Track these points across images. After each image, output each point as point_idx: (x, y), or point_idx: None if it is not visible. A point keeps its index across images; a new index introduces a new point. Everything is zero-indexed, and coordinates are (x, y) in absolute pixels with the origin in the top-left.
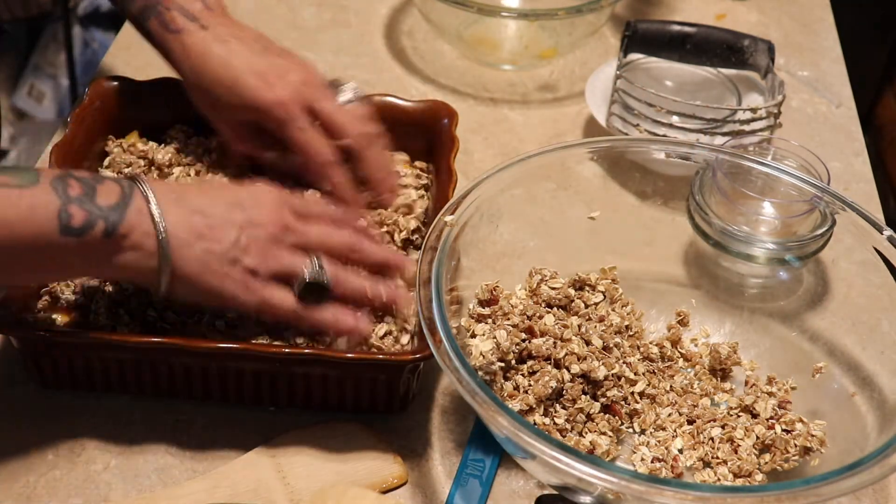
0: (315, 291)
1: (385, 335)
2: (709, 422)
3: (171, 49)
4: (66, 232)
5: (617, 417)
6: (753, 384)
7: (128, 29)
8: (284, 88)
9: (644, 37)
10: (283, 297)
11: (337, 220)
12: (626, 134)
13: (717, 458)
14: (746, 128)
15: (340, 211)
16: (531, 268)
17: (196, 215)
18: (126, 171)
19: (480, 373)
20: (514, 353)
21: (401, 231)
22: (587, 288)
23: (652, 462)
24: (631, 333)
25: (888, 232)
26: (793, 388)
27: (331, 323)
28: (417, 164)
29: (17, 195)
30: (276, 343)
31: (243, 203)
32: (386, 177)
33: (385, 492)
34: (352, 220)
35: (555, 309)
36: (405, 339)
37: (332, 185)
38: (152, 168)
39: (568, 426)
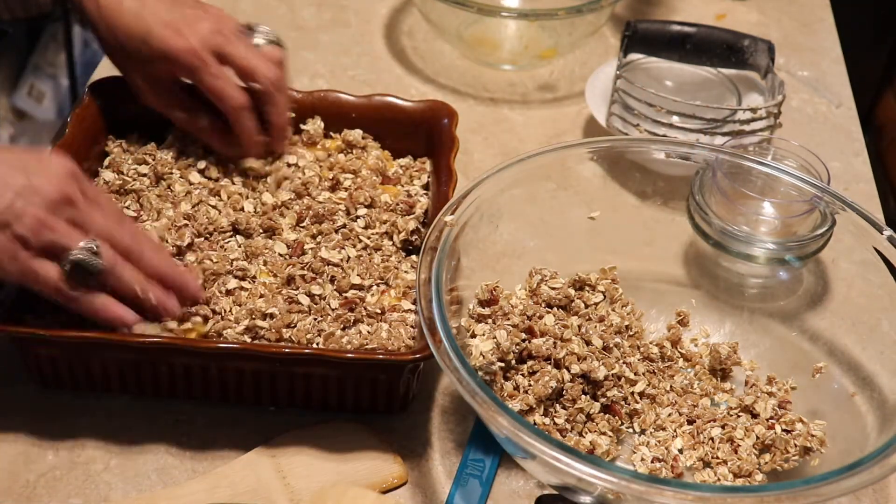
0: (84, 274)
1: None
2: (709, 422)
3: (86, 9)
4: None
5: (617, 417)
6: (753, 384)
7: None
8: (194, 35)
9: (644, 37)
10: (48, 271)
11: (123, 219)
12: (626, 134)
13: (717, 458)
14: (746, 128)
15: (125, 216)
16: (531, 268)
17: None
18: (127, 171)
19: (480, 373)
20: (514, 353)
21: (399, 232)
22: (587, 288)
23: (652, 462)
24: (631, 333)
25: (888, 232)
26: (793, 388)
27: (98, 310)
28: (418, 163)
29: None
30: (276, 343)
31: (28, 168)
32: (285, 124)
33: (385, 492)
34: (137, 227)
35: (555, 309)
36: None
37: (240, 130)
38: (153, 168)
39: (568, 426)
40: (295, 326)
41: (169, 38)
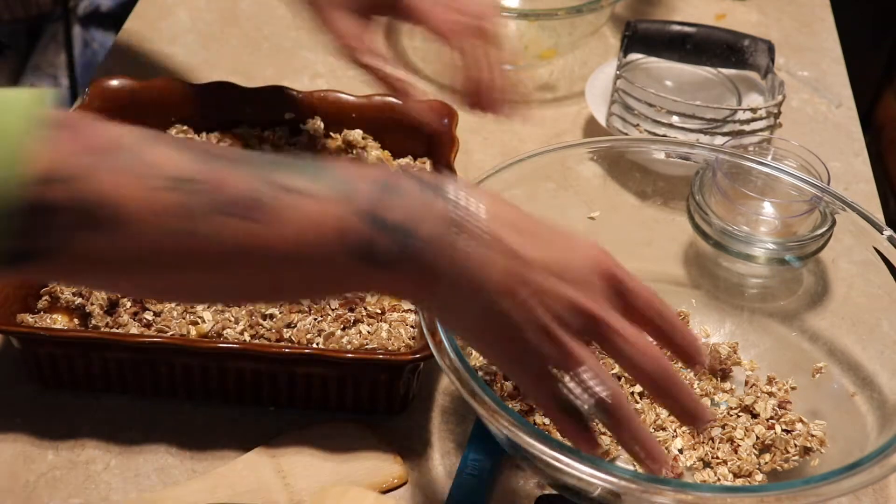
0: (578, 416)
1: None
2: (708, 422)
3: None
4: (356, 254)
5: None
6: (753, 384)
7: (128, 29)
8: None
9: (644, 37)
10: (588, 355)
11: (662, 314)
12: (626, 134)
13: (717, 458)
14: (746, 128)
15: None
16: None
17: (513, 260)
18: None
19: (480, 373)
20: None
21: None
22: None
23: None
24: None
25: (888, 232)
26: (793, 389)
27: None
28: (418, 163)
29: (307, 209)
30: (276, 343)
31: (562, 260)
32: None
33: (385, 492)
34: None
35: None
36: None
37: (461, 51)
38: None
39: None
40: (295, 326)
41: None
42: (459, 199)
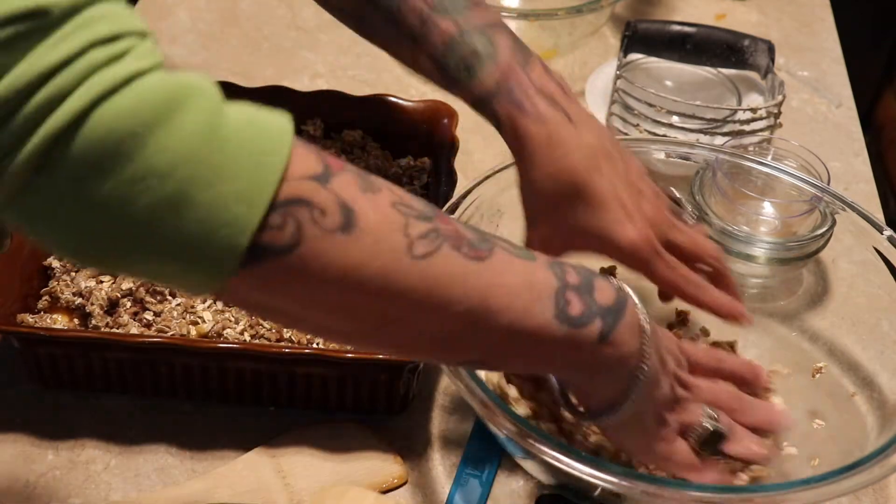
0: (711, 443)
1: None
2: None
3: (529, 135)
4: (562, 318)
5: None
6: None
7: None
8: (643, 220)
9: (644, 37)
10: (685, 451)
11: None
12: (626, 134)
13: None
14: (746, 128)
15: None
16: None
17: (667, 354)
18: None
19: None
20: None
21: None
22: None
23: None
24: None
25: (888, 232)
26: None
27: (743, 454)
28: (418, 163)
29: (520, 265)
30: (276, 343)
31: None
32: (735, 297)
33: (385, 492)
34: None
35: None
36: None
37: (711, 305)
38: None
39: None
40: None
41: (620, 223)
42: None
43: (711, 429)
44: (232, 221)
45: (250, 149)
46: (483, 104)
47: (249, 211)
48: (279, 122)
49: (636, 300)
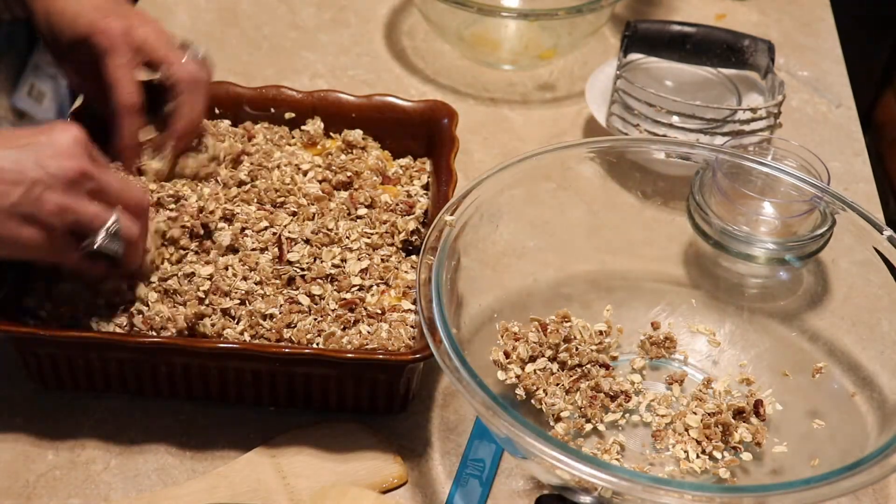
0: (104, 258)
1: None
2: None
3: None
4: None
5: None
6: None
7: None
8: (118, 21)
9: (644, 37)
10: (71, 256)
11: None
12: (626, 134)
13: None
14: (746, 128)
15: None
16: (499, 324)
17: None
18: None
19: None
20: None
21: (399, 232)
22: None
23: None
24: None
25: (888, 232)
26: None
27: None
28: (418, 163)
29: None
30: (276, 343)
31: (38, 149)
32: (188, 130)
33: (385, 492)
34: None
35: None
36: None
37: (121, 132)
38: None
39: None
40: (295, 326)
41: (96, 20)
42: None
43: (99, 248)
44: None
45: None
46: None
47: None
48: None
49: None
